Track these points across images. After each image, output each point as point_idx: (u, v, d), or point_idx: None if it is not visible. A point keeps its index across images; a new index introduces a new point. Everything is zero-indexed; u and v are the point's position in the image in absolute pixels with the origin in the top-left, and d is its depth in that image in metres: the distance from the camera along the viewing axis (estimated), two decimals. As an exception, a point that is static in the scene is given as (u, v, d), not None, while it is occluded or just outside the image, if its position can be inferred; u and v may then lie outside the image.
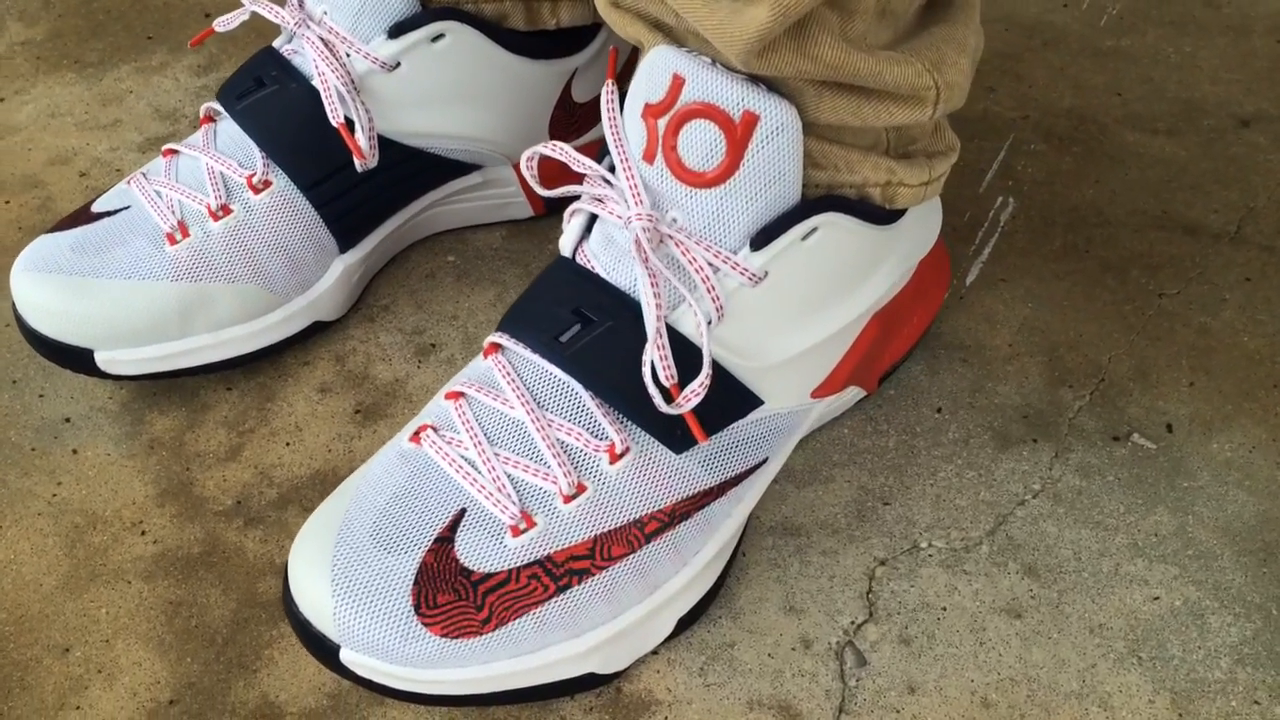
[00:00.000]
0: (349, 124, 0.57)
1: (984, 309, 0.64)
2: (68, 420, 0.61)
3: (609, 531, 0.47)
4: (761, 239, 0.46)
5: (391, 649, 0.45)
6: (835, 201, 0.47)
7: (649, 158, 0.47)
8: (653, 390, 0.45)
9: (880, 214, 0.50)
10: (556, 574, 0.46)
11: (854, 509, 0.56)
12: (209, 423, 0.60)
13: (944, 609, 0.52)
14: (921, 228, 0.56)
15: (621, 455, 0.47)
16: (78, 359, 0.58)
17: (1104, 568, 0.53)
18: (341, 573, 0.45)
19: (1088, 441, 0.58)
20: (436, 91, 0.59)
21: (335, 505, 0.48)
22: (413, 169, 0.62)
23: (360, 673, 0.46)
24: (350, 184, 0.59)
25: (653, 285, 0.45)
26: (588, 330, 0.47)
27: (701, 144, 0.45)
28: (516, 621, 0.46)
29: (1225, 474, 0.56)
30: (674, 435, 0.47)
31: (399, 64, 0.58)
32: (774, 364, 0.49)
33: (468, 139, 0.62)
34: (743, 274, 0.46)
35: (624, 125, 0.48)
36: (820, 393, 0.53)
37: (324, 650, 0.46)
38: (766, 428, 0.51)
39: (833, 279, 0.49)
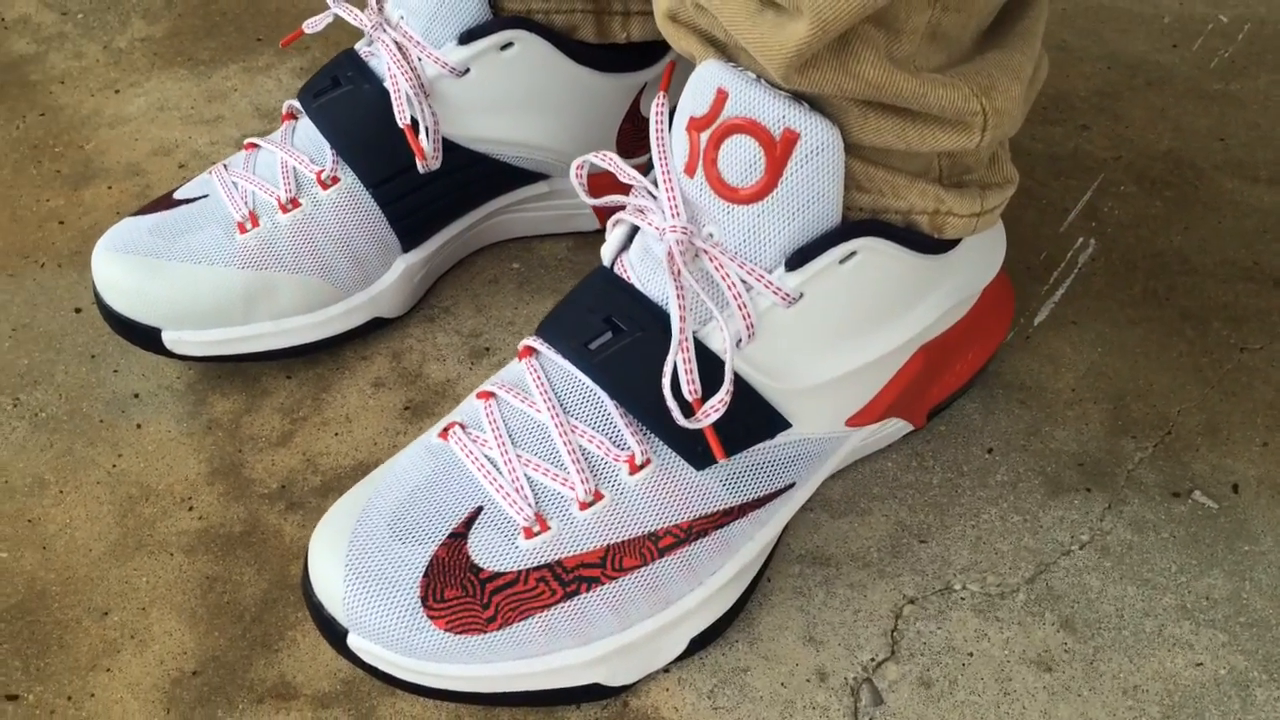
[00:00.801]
0: (415, 126, 0.59)
1: (1050, 350, 0.62)
2: (136, 396, 0.63)
3: (622, 542, 0.47)
4: (797, 259, 0.46)
5: (397, 638, 0.45)
6: (877, 226, 0.46)
7: (690, 171, 0.47)
8: (671, 403, 0.45)
9: (928, 243, 0.49)
10: (566, 579, 0.46)
11: (888, 544, 0.54)
12: (265, 408, 0.62)
13: (970, 654, 0.50)
14: (979, 260, 0.54)
15: (642, 467, 0.47)
16: (146, 337, 0.60)
17: (1147, 627, 0.51)
18: (355, 559, 0.46)
19: (1145, 495, 0.55)
20: (504, 99, 0.60)
21: (360, 493, 0.49)
22: (478, 174, 0.63)
23: (366, 659, 0.46)
24: (415, 185, 0.61)
25: (679, 298, 0.45)
26: (617, 339, 0.47)
27: (741, 160, 0.45)
28: (522, 623, 0.46)
29: (1291, 540, 0.53)
30: (695, 451, 0.47)
31: (468, 70, 0.59)
32: (805, 388, 0.48)
33: (533, 147, 0.63)
34: (776, 293, 0.46)
35: (670, 138, 0.48)
36: (856, 421, 0.52)
37: (334, 634, 0.47)
38: (794, 452, 0.50)
39: (872, 306, 0.48)
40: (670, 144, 0.48)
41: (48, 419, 0.62)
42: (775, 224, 0.45)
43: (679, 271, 0.45)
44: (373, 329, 0.64)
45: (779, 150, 0.44)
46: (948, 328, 0.54)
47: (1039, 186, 0.71)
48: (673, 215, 0.46)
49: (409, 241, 0.63)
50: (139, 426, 0.62)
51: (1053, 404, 0.59)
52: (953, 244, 0.50)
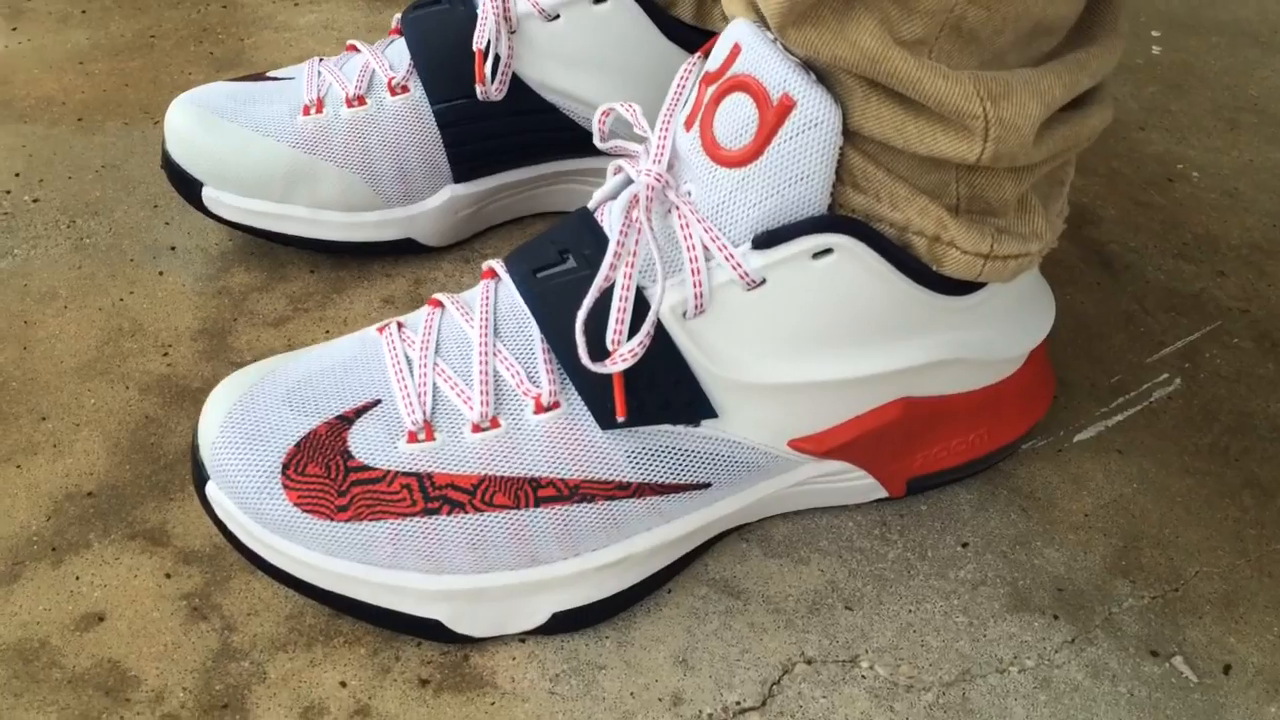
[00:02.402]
0: (487, 53, 0.58)
1: (1078, 470, 0.55)
2: (172, 248, 0.65)
3: (501, 477, 0.44)
4: (766, 239, 0.42)
5: (247, 497, 0.44)
6: (864, 229, 0.42)
7: (689, 124, 0.44)
8: (580, 338, 0.42)
9: (924, 272, 0.44)
10: (430, 494, 0.43)
11: (811, 598, 0.49)
12: (277, 291, 0.62)
13: (846, 735, 0.44)
14: (1003, 327, 0.49)
15: (548, 409, 0.44)
16: (190, 188, 0.61)
17: (1058, 776, 0.43)
18: (239, 411, 0.45)
19: (1118, 643, 0.48)
20: (585, 54, 0.59)
21: (279, 359, 0.48)
22: (541, 124, 0.62)
23: (219, 513, 0.45)
24: (476, 114, 0.60)
25: (622, 234, 0.42)
26: (563, 270, 0.45)
27: (735, 119, 0.42)
28: (373, 524, 0.43)
29: (1270, 743, 0.45)
30: (605, 408, 0.44)
31: (558, 16, 0.59)
32: (744, 383, 0.44)
33: (602, 111, 0.62)
34: (735, 269, 0.42)
35: (689, 93, 0.46)
36: (802, 446, 0.47)
37: (199, 479, 0.45)
38: (717, 450, 0.46)
39: (841, 319, 0.44)
40: (685, 98, 0.46)
41: (89, 245, 0.65)
42: (753, 195, 0.42)
43: (634, 214, 0.42)
44: (408, 251, 0.64)
45: (773, 116, 0.41)
46: (948, 391, 0.49)
47: (1142, 314, 0.65)
48: (654, 161, 0.44)
49: (460, 172, 0.62)
50: (160, 274, 0.63)
51: (1057, 522, 0.53)
52: (963, 288, 0.46)
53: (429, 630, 0.45)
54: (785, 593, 0.49)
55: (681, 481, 0.45)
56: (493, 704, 0.45)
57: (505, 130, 0.61)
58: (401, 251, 0.64)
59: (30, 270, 0.63)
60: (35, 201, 0.68)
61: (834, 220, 0.42)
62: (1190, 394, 0.60)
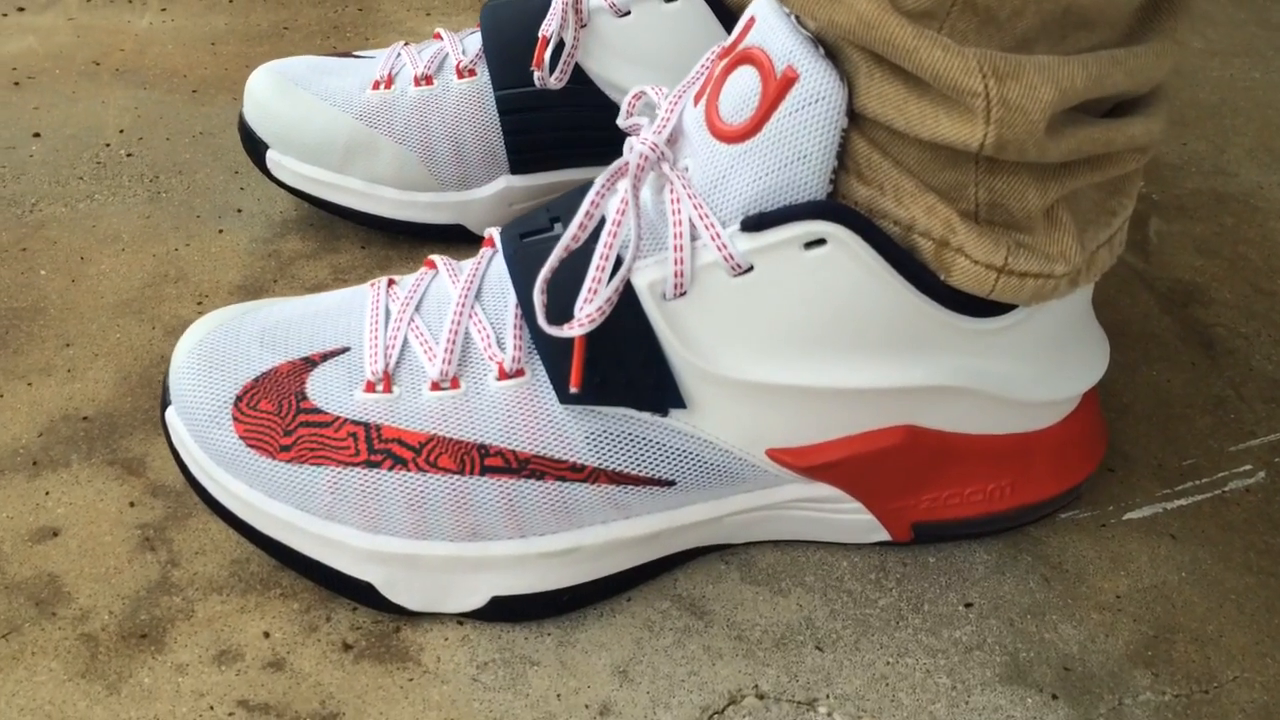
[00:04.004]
0: (550, 40, 0.58)
1: (1121, 549, 0.49)
2: (239, 211, 0.66)
3: (449, 439, 0.42)
4: (755, 222, 0.39)
5: (199, 425, 0.43)
6: (858, 220, 0.39)
7: (697, 99, 0.42)
8: (539, 299, 0.39)
9: (928, 279, 0.40)
10: (374, 446, 0.42)
11: (780, 632, 0.45)
12: (323, 261, 0.62)
13: (781, 779, 0.40)
14: (1042, 370, 0.44)
15: (510, 376, 0.42)
16: (256, 150, 0.62)
17: None
18: (210, 341, 0.44)
19: (1124, 737, 0.42)
20: (653, 53, 0.58)
21: (273, 301, 0.47)
22: (602, 121, 0.60)
23: (173, 439, 0.44)
24: (537, 103, 0.59)
25: (597, 195, 0.40)
26: (549, 236, 0.43)
27: (739, 93, 0.40)
28: (313, 469, 0.42)
29: None
30: (564, 378, 0.41)
31: (629, 12, 0.57)
32: (720, 376, 0.41)
33: (664, 114, 0.60)
34: (720, 250, 0.40)
35: (710, 70, 0.43)
36: (782, 459, 0.43)
37: (163, 402, 0.45)
38: (684, 445, 0.42)
39: (833, 320, 0.40)
40: (704, 74, 0.43)
41: (164, 199, 0.66)
42: (747, 173, 0.39)
43: (620, 182, 0.40)
44: (459, 238, 0.63)
45: (775, 90, 0.39)
46: (963, 428, 0.45)
47: (1237, 400, 0.58)
48: (655, 132, 0.41)
49: (517, 163, 0.61)
50: (220, 231, 0.64)
51: (1082, 599, 0.47)
52: (983, 309, 0.41)
53: (362, 593, 0.43)
54: (754, 621, 0.45)
55: (642, 474, 0.42)
56: (410, 680, 0.42)
57: (565, 124, 0.60)
58: (452, 238, 0.63)
59: (102, 214, 0.65)
60: (129, 156, 0.70)
61: (828, 207, 0.39)
62: (1273, 490, 0.53)
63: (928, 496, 0.46)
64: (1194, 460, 0.54)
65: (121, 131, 0.72)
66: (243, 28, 0.86)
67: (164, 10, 0.88)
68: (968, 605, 0.46)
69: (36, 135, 0.72)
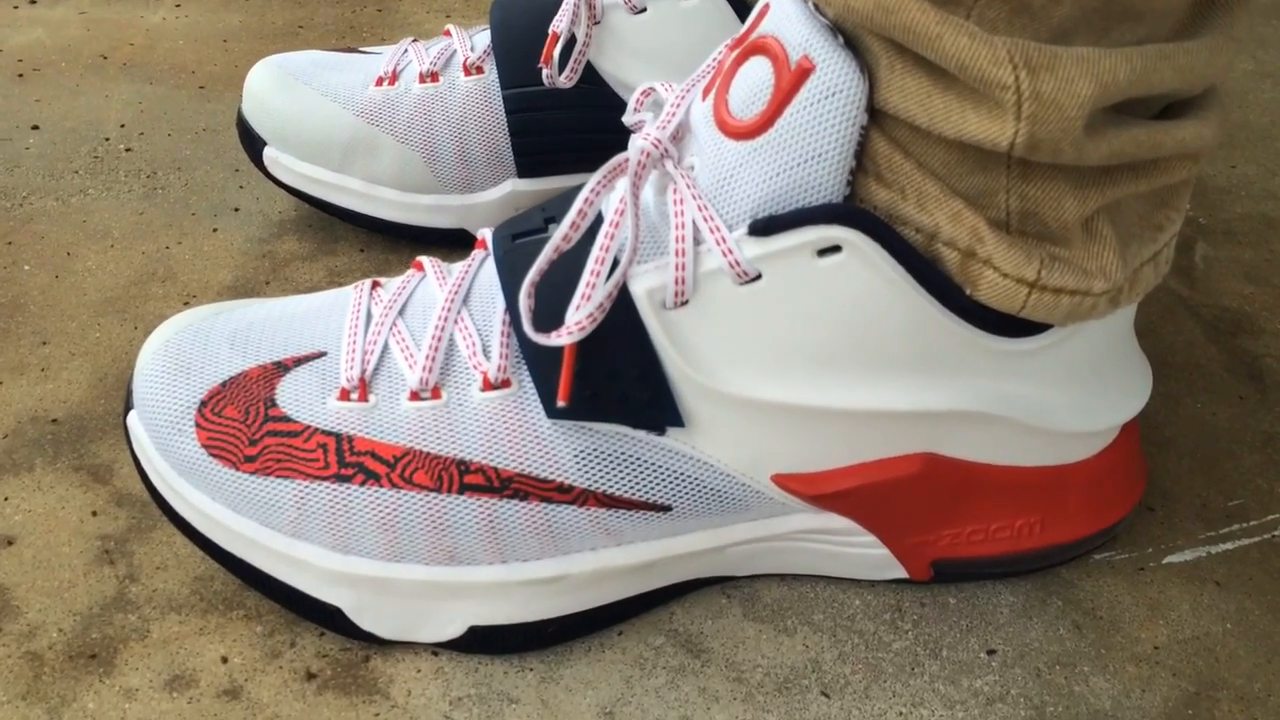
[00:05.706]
0: (559, 37, 0.55)
1: (1160, 596, 0.45)
2: (236, 210, 0.63)
3: (427, 453, 0.38)
4: (765, 225, 0.36)
5: (159, 431, 0.40)
6: (876, 226, 0.35)
7: (706, 92, 0.39)
8: (525, 304, 0.36)
9: (953, 294, 0.36)
10: (345, 459, 0.38)
11: (783, 675, 0.41)
12: (319, 264, 0.60)
13: (777, 841, 0.36)
14: (1077, 397, 0.40)
15: (495, 387, 0.39)
16: (253, 145, 0.60)
17: None
18: (176, 343, 0.41)
19: (1160, 806, 0.38)
20: (668, 51, 0.55)
21: (250, 301, 0.44)
22: (615, 124, 0.57)
23: (135, 447, 0.41)
24: (544, 103, 0.56)
25: (591, 193, 0.36)
26: (541, 238, 0.40)
27: (750, 86, 0.36)
28: (279, 481, 0.39)
29: None
30: (552, 390, 0.38)
31: (645, 9, 0.54)
32: (722, 393, 0.38)
33: (679, 116, 0.56)
34: (726, 256, 0.36)
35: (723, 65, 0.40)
36: (788, 485, 0.39)
37: (126, 406, 0.42)
38: (681, 467, 0.39)
39: (847, 335, 0.37)
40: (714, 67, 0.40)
41: (159, 195, 0.64)
42: (757, 173, 0.36)
43: (618, 180, 0.37)
44: (461, 244, 0.60)
45: (789, 82, 0.35)
46: (988, 458, 0.41)
47: (1288, 438, 0.54)
48: (659, 127, 0.38)
49: (524, 166, 0.58)
50: (214, 230, 0.61)
51: (1116, 649, 0.43)
52: (1014, 327, 0.37)
53: (329, 619, 0.40)
54: (755, 662, 0.41)
55: (635, 497, 0.39)
56: (376, 715, 0.38)
57: (574, 125, 0.57)
58: (455, 244, 0.60)
59: (94, 209, 0.62)
60: (127, 150, 0.68)
61: (844, 211, 0.35)
62: (1328, 535, 0.49)
63: (949, 532, 0.42)
64: (1241, 501, 0.50)
65: (122, 126, 0.70)
66: (257, 25, 0.84)
67: (178, 6, 0.86)
68: (990, 652, 0.42)
69: (35, 128, 0.69)
